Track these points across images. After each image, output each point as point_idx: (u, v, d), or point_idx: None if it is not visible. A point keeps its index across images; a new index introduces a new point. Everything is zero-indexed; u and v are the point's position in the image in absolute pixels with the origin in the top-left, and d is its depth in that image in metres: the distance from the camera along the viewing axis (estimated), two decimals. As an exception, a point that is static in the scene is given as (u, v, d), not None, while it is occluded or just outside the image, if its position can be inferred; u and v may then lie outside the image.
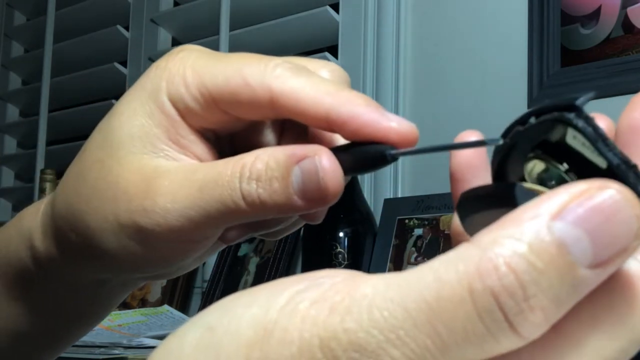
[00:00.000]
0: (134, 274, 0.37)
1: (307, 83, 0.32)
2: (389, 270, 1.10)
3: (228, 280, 1.32)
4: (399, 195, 1.24)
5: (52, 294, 0.39)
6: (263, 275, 1.27)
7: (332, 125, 0.31)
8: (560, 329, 0.20)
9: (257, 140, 0.36)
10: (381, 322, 0.19)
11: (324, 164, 0.30)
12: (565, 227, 0.18)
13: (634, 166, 0.22)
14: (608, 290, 0.20)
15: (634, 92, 1.17)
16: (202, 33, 1.53)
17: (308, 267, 1.17)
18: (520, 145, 0.26)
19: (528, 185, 0.24)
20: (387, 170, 1.25)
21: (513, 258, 0.18)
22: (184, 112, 0.33)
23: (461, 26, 1.22)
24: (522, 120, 0.25)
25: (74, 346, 0.92)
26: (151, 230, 0.32)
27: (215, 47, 1.46)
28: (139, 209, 0.32)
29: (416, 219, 1.14)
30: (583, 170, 0.23)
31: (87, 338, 0.96)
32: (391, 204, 1.19)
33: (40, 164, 1.71)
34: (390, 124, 0.30)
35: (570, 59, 1.08)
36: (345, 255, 1.14)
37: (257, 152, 0.31)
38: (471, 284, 0.18)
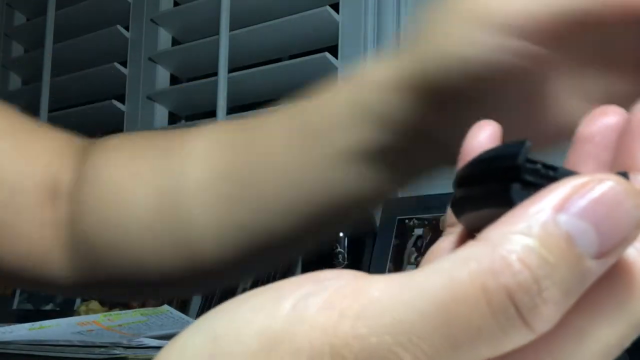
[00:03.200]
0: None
1: None
2: (389, 271, 1.10)
3: (228, 280, 1.31)
4: (399, 195, 1.24)
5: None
6: (263, 275, 1.27)
7: None
8: (562, 321, 0.20)
9: None
10: (393, 326, 0.19)
11: None
12: (570, 219, 0.19)
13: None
14: (607, 278, 0.20)
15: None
16: (202, 33, 1.53)
17: (308, 267, 1.17)
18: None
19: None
20: (387, 170, 1.25)
21: (525, 253, 0.18)
22: None
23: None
24: (464, 180, 0.24)
25: (73, 346, 0.91)
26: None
27: (215, 47, 1.46)
28: None
29: (416, 219, 1.14)
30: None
31: (87, 338, 0.96)
32: (391, 204, 1.19)
33: (40, 164, 1.71)
34: None
35: (570, 59, 1.08)
36: (345, 255, 1.14)
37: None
38: (484, 282, 0.18)
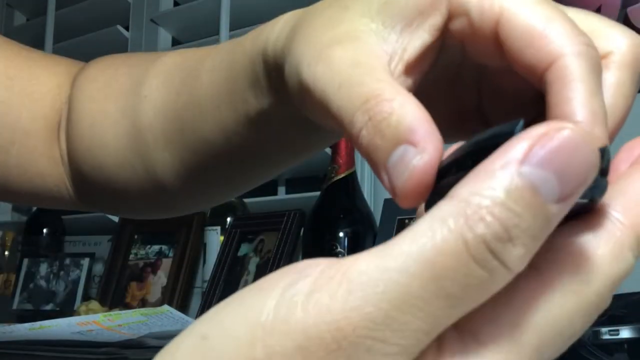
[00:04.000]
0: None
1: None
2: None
3: (228, 280, 1.32)
4: (399, 195, 1.24)
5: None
6: (263, 275, 1.26)
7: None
8: (521, 284, 0.22)
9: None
10: (387, 292, 0.20)
11: (415, 163, 0.25)
12: (533, 170, 0.20)
13: None
14: (567, 256, 0.23)
15: (634, 92, 1.14)
16: (202, 33, 1.53)
17: (308, 267, 1.17)
18: (456, 174, 0.25)
19: None
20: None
21: (495, 207, 0.20)
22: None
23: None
24: (461, 163, 0.24)
25: (73, 346, 0.91)
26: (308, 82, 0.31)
27: (215, 47, 1.47)
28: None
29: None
30: None
31: (87, 338, 0.96)
32: (391, 204, 1.19)
33: (40, 164, 1.71)
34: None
35: (570, 59, 1.08)
36: (345, 255, 1.14)
37: (397, 95, 0.27)
38: (464, 235, 0.20)
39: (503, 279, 0.21)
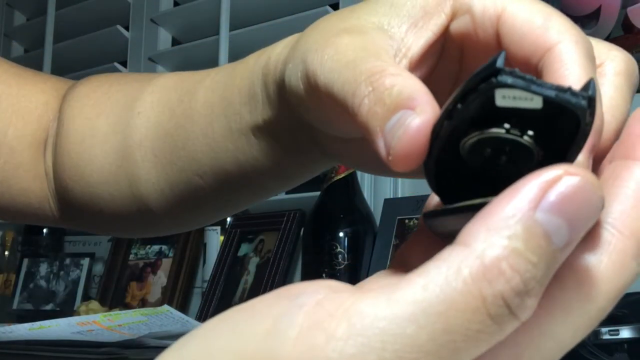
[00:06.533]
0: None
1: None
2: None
3: (228, 280, 1.32)
4: (399, 195, 1.24)
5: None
6: (263, 275, 1.27)
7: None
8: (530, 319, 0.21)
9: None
10: (392, 343, 0.19)
11: (410, 122, 0.26)
12: (546, 216, 0.20)
13: (569, 88, 0.23)
14: (569, 281, 0.22)
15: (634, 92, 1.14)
16: (202, 33, 1.53)
17: (308, 267, 1.17)
18: (454, 136, 0.25)
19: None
20: (387, 170, 1.25)
21: (514, 259, 0.20)
22: None
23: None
24: (449, 112, 0.25)
25: (73, 346, 0.91)
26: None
27: (215, 47, 1.47)
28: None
29: (416, 219, 1.14)
30: (523, 123, 0.24)
31: (87, 338, 0.96)
32: (391, 204, 1.19)
33: (40, 164, 1.71)
34: None
35: (570, 59, 1.08)
36: (345, 255, 1.14)
37: (401, 72, 0.28)
38: (482, 291, 0.19)
39: (512, 328, 0.20)
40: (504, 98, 0.23)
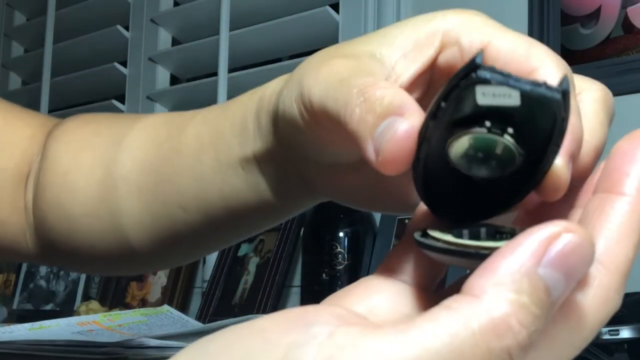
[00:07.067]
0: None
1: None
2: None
3: (228, 280, 1.32)
4: (399, 195, 1.24)
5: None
6: (263, 275, 1.27)
7: None
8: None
9: None
10: None
11: (399, 126, 0.27)
12: (548, 271, 0.22)
13: (544, 83, 0.24)
14: (562, 317, 0.24)
15: (634, 92, 1.17)
16: (202, 33, 1.53)
17: (308, 267, 1.17)
18: (437, 136, 0.26)
19: (485, 243, 0.25)
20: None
21: (522, 315, 0.21)
22: None
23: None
24: (434, 113, 0.26)
25: (73, 346, 0.91)
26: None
27: (215, 47, 1.47)
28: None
29: (416, 219, 1.14)
30: (504, 123, 0.25)
31: (87, 338, 0.96)
32: (391, 204, 1.19)
33: (40, 164, 1.71)
34: None
35: (570, 59, 1.08)
36: (345, 255, 1.14)
37: (391, 85, 0.29)
38: (489, 344, 0.21)
39: None
40: (484, 95, 0.25)
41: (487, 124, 0.25)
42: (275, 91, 0.38)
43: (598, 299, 0.24)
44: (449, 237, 0.26)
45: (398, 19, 1.27)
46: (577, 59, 1.07)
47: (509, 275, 0.21)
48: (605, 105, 0.32)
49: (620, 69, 1.03)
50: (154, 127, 0.48)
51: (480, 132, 0.26)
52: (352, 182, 0.39)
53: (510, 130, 0.25)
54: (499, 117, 0.25)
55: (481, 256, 0.23)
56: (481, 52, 0.24)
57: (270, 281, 1.25)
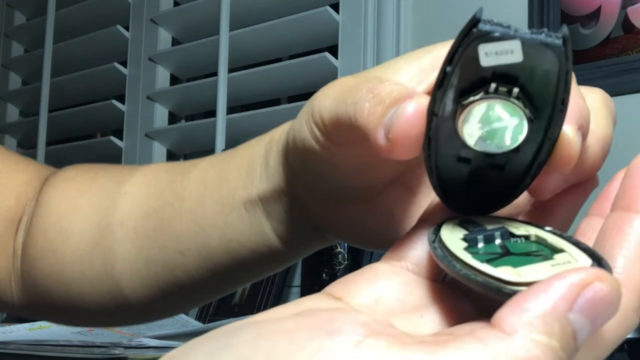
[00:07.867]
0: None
1: None
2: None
3: (228, 280, 1.31)
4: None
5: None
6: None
7: None
8: None
9: None
10: None
11: (407, 107, 0.28)
12: (577, 317, 0.22)
13: (544, 30, 0.24)
14: None
15: (634, 92, 1.17)
16: (202, 33, 1.53)
17: (308, 267, 1.17)
18: (446, 114, 0.27)
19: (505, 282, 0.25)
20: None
21: (550, 358, 0.21)
22: None
23: (461, 26, 1.22)
24: (440, 81, 0.26)
25: (73, 346, 0.91)
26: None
27: (215, 47, 1.46)
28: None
29: (416, 219, 1.14)
30: (508, 79, 0.25)
31: (87, 338, 0.96)
32: (391, 204, 1.19)
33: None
34: None
35: (570, 59, 1.08)
36: (345, 255, 1.14)
37: (400, 83, 0.31)
38: None
39: None
40: (487, 55, 0.25)
41: (493, 85, 0.25)
42: (285, 130, 0.39)
43: (616, 318, 0.24)
44: (464, 255, 0.26)
45: (398, 19, 1.27)
46: (577, 59, 1.07)
47: (540, 317, 0.22)
48: (606, 105, 0.32)
49: (620, 69, 1.03)
50: (155, 173, 0.47)
51: (487, 98, 0.26)
52: (362, 216, 0.38)
53: (515, 90, 0.25)
54: (504, 80, 0.25)
55: (504, 295, 0.23)
56: (481, 8, 0.25)
57: (270, 281, 1.24)
